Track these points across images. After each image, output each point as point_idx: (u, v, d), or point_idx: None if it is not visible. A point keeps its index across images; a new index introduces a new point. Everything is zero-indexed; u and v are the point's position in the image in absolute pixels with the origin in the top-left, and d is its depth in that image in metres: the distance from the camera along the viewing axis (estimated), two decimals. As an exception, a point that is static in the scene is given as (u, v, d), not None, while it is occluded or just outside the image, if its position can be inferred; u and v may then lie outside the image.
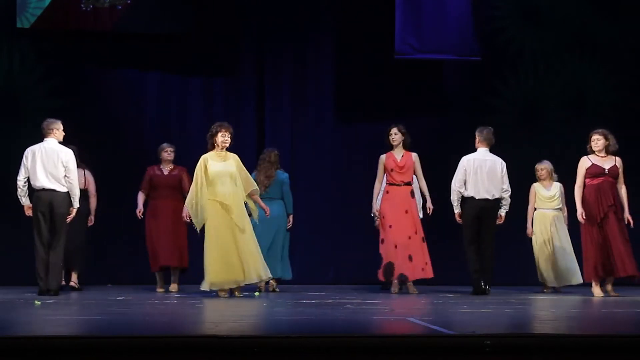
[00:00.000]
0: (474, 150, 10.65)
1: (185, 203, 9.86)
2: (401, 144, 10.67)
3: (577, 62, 13.21)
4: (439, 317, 7.54)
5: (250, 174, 10.20)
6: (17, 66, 12.52)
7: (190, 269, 10.94)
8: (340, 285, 12.15)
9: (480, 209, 10.39)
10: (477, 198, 10.39)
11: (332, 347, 5.47)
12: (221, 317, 7.62)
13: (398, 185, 10.62)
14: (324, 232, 12.83)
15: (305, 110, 13.11)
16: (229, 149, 9.89)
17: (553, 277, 11.17)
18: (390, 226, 10.52)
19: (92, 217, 11.13)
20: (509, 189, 10.52)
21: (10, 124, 12.38)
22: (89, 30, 12.38)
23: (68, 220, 9.92)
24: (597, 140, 10.30)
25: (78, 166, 10.52)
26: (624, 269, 10.04)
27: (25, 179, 9.87)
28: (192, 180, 9.89)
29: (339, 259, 12.81)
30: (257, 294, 10.24)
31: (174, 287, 11.00)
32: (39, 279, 9.73)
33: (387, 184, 10.72)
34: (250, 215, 9.87)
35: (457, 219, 10.48)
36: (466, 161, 10.49)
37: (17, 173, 9.91)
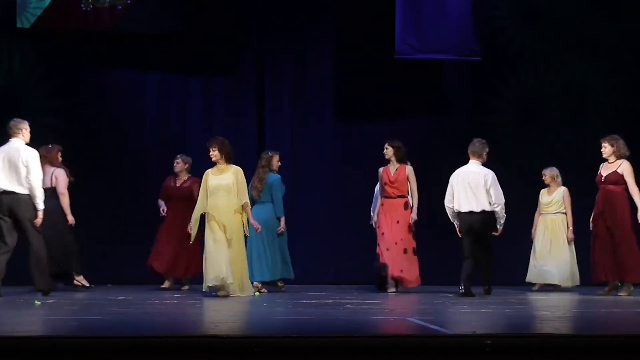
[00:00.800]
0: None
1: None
2: (393, 158, 10.90)
3: (577, 62, 13.21)
4: (439, 317, 7.54)
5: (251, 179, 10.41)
6: (17, 66, 12.52)
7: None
8: (340, 285, 12.15)
9: (469, 222, 10.17)
10: (462, 212, 10.20)
11: (332, 347, 5.47)
12: (221, 317, 7.62)
13: (392, 197, 10.88)
14: (324, 232, 12.83)
15: (305, 110, 13.10)
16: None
17: (535, 273, 11.38)
18: (382, 233, 10.87)
19: (69, 216, 10.81)
20: (500, 202, 10.07)
21: (10, 124, 12.36)
22: (89, 30, 12.38)
23: (36, 223, 9.57)
24: (604, 148, 10.51)
25: (53, 165, 10.52)
26: (604, 275, 10.43)
27: None
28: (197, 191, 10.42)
29: (338, 259, 12.80)
30: (257, 294, 10.25)
31: (184, 287, 11.35)
32: None
33: (381, 196, 11.00)
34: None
35: (459, 234, 10.37)
36: (453, 176, 10.36)
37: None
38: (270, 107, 13.05)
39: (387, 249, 10.77)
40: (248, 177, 10.37)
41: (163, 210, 11.32)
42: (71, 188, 10.90)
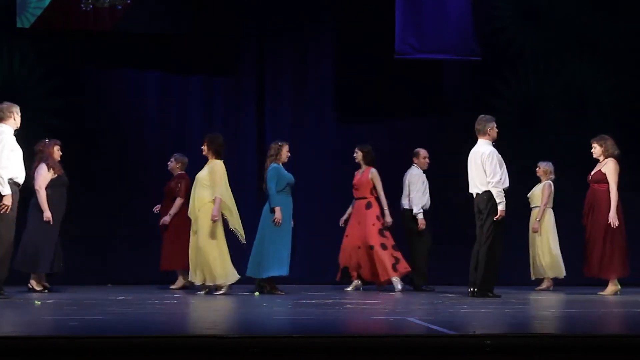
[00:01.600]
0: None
1: None
2: (362, 161, 11.24)
3: (577, 62, 13.20)
4: (439, 317, 7.54)
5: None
6: (17, 66, 12.51)
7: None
8: (340, 285, 12.14)
9: (475, 205, 9.84)
10: (472, 193, 9.91)
11: (332, 347, 5.48)
12: (221, 317, 7.62)
13: (357, 199, 11.25)
14: (323, 233, 12.81)
15: (306, 110, 13.10)
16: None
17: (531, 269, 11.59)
18: (346, 235, 11.30)
19: (46, 213, 10.39)
20: (494, 180, 9.63)
21: (10, 124, 12.35)
22: (89, 30, 12.37)
23: (1, 208, 9.04)
24: (593, 148, 10.66)
25: (46, 160, 10.47)
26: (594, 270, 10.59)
27: None
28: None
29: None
30: (257, 294, 10.24)
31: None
32: None
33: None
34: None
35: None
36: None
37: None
38: (270, 107, 13.05)
39: (348, 249, 11.19)
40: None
41: (156, 209, 11.49)
42: (68, 186, 10.80)
